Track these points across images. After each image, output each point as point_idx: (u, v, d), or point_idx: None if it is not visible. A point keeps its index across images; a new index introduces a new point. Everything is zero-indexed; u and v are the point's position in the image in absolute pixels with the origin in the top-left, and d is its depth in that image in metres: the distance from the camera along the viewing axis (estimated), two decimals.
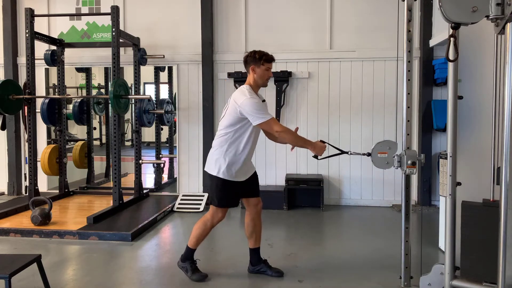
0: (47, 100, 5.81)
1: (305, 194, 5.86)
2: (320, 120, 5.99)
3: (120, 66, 5.44)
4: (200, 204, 5.73)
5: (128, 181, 6.82)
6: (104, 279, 3.44)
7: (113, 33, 5.25)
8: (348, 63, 5.93)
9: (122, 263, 3.83)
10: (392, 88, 4.97)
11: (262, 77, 3.20)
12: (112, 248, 4.17)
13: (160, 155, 7.17)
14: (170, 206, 5.61)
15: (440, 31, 5.15)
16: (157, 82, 7.23)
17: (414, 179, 5.55)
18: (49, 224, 4.64)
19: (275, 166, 6.08)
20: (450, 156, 2.74)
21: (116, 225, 4.80)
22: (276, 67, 5.92)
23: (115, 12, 5.25)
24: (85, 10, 6.42)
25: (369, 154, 3.04)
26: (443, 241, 3.13)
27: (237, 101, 3.07)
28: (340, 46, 5.94)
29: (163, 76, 7.50)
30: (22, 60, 6.35)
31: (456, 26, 2.35)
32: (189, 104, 6.24)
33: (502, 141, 2.35)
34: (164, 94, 7.60)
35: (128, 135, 11.45)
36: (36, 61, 5.60)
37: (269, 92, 5.96)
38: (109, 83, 6.32)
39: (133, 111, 8.56)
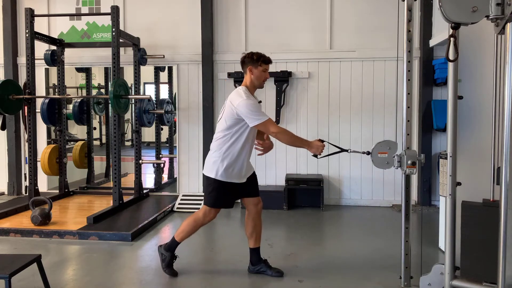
0: (47, 100, 5.81)
1: (305, 194, 5.86)
2: (320, 120, 5.99)
3: (120, 66, 5.44)
4: (200, 204, 5.70)
5: (128, 181, 6.82)
6: (104, 279, 3.44)
7: (113, 33, 5.25)
8: (348, 63, 5.93)
9: (122, 263, 3.83)
10: (392, 88, 4.97)
11: (259, 78, 3.21)
12: (112, 248, 4.17)
13: (160, 155, 7.17)
14: (170, 206, 5.61)
15: (440, 31, 5.15)
16: (157, 82, 7.23)
17: (414, 179, 5.55)
18: (49, 224, 4.64)
19: (275, 166, 6.08)
20: (450, 156, 2.74)
21: (116, 225, 4.80)
22: (276, 67, 5.94)
23: (115, 12, 5.25)
24: (85, 10, 6.42)
25: (368, 153, 3.05)
26: (443, 241, 3.13)
27: (233, 103, 3.09)
28: (340, 46, 5.94)
29: (163, 76, 7.50)
30: (22, 60, 6.35)
31: (456, 26, 2.35)
32: (189, 104, 6.24)
33: (502, 141, 2.35)
34: (164, 94, 7.60)
35: (128, 135, 11.45)
36: (36, 61, 5.60)
37: (269, 92, 5.97)
38: (109, 83, 6.32)
39: (133, 111, 8.56)
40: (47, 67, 6.34)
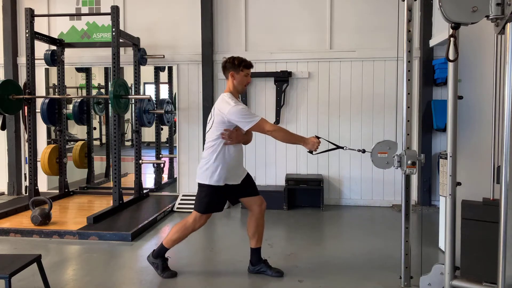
0: (47, 100, 5.81)
1: (305, 194, 5.86)
2: (320, 120, 5.99)
3: (120, 66, 5.44)
4: None
5: (128, 181, 6.82)
6: (104, 279, 3.44)
7: (113, 33, 5.25)
8: (348, 63, 5.93)
9: (122, 263, 3.83)
10: (392, 88, 4.96)
11: (241, 83, 3.23)
12: (112, 248, 4.17)
13: (160, 155, 7.17)
14: (170, 206, 5.61)
15: (440, 31, 5.15)
16: (157, 82, 7.23)
17: (414, 179, 5.55)
18: (49, 224, 4.64)
19: (275, 166, 6.08)
20: (450, 156, 2.74)
21: (116, 225, 4.80)
22: (276, 67, 5.96)
23: (115, 12, 5.25)
24: (85, 10, 6.42)
25: (364, 151, 3.08)
26: (443, 241, 3.13)
27: (222, 111, 3.10)
28: (340, 46, 5.94)
29: (163, 76, 7.50)
30: (22, 60, 6.35)
31: (456, 26, 2.35)
32: (189, 104, 6.24)
33: (502, 141, 2.35)
34: (164, 94, 7.60)
35: (128, 135, 11.45)
36: (36, 61, 5.60)
37: (269, 92, 5.97)
38: (109, 83, 6.32)
39: (133, 111, 8.56)
40: (47, 67, 6.34)
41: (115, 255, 4.00)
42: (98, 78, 9.12)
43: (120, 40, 5.45)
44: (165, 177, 7.24)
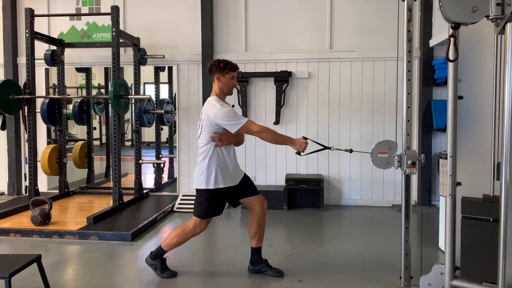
0: (47, 100, 5.81)
1: (305, 194, 5.86)
2: (320, 120, 5.99)
3: (120, 66, 5.44)
4: None
5: (128, 181, 6.82)
6: (104, 279, 3.45)
7: (113, 33, 5.25)
8: (348, 63, 5.93)
9: (122, 263, 3.83)
10: (392, 88, 4.97)
11: (227, 85, 3.24)
12: (112, 248, 4.17)
13: (160, 155, 7.17)
14: (170, 206, 5.61)
15: (440, 31, 5.15)
16: (157, 82, 7.23)
17: (414, 179, 5.55)
18: (49, 224, 4.64)
19: (275, 166, 6.08)
20: (450, 156, 2.74)
21: (116, 225, 4.80)
22: (276, 67, 5.95)
23: (115, 12, 5.25)
24: (85, 10, 6.42)
25: (351, 151, 3.08)
26: (443, 241, 3.13)
27: (209, 114, 3.11)
28: (340, 46, 5.94)
29: (163, 76, 7.50)
30: (22, 60, 6.35)
31: (456, 26, 2.35)
32: (189, 104, 6.24)
33: (502, 141, 2.35)
34: (164, 94, 7.60)
35: (128, 135, 11.46)
36: (36, 61, 5.61)
37: (269, 92, 5.97)
38: (109, 83, 6.32)
39: (133, 111, 8.57)
40: (47, 67, 6.35)
41: (115, 255, 4.00)
42: (98, 78, 9.13)
43: (120, 40, 5.45)
44: (165, 177, 7.24)
